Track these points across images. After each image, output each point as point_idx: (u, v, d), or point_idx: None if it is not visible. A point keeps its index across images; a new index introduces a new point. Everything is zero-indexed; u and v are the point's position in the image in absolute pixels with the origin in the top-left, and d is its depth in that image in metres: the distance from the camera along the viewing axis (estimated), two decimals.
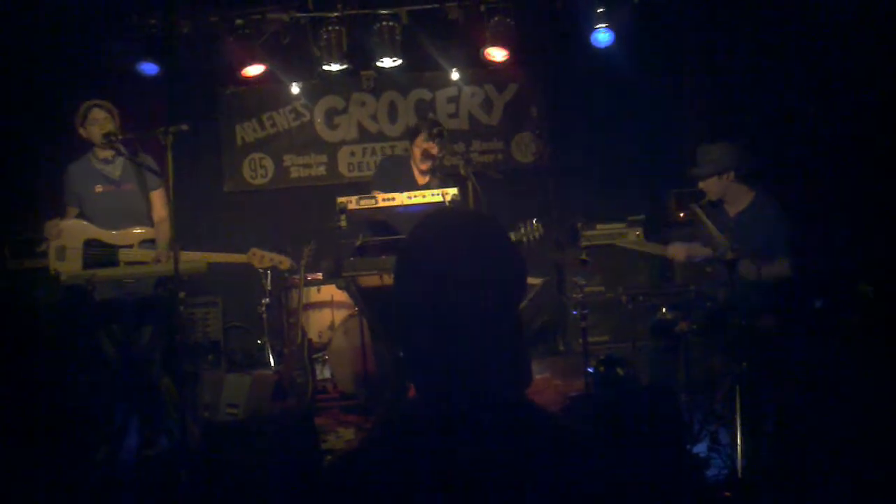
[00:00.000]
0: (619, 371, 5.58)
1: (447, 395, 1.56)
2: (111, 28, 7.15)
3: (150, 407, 5.19)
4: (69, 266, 5.10)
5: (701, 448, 4.56)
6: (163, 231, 5.35)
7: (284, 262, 5.38)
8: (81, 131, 5.30)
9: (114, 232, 5.20)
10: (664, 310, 5.26)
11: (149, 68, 7.29)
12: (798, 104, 6.98)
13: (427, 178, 6.00)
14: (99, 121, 5.23)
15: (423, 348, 1.59)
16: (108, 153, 5.32)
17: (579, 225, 8.14)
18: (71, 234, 5.16)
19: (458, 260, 1.56)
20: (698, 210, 4.88)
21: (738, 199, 5.21)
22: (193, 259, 5.06)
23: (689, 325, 4.92)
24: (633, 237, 5.46)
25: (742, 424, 4.35)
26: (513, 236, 5.13)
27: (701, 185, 5.24)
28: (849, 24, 6.34)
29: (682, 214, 7.90)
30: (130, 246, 5.20)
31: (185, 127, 4.87)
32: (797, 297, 5.13)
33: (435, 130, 5.79)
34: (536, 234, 5.27)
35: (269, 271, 7.50)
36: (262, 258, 5.28)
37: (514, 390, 1.61)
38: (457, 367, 1.55)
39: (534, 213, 5.56)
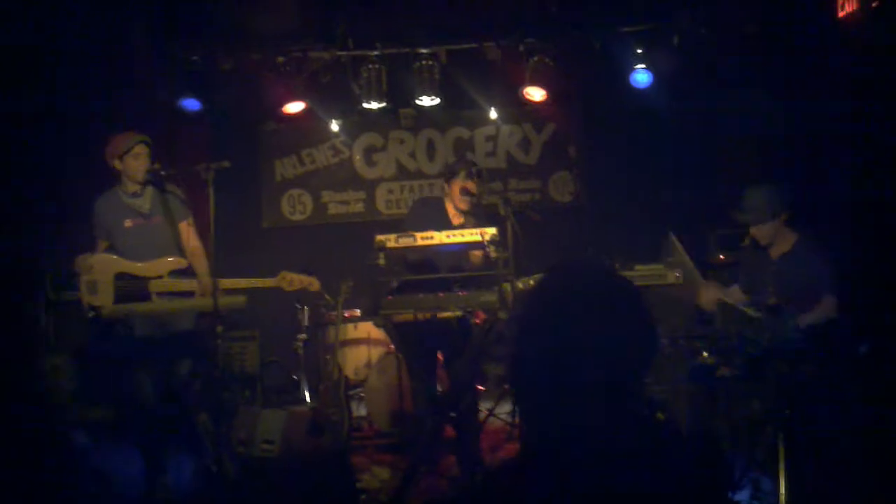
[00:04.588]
0: (659, 415, 5.49)
1: (561, 457, 1.46)
2: (155, 64, 7.25)
3: (187, 443, 5.18)
4: (101, 300, 5.09)
5: (743, 496, 4.46)
6: (198, 261, 5.30)
7: (314, 284, 5.33)
8: (117, 163, 5.23)
9: (143, 264, 5.16)
10: (705, 354, 5.19)
11: (191, 104, 7.38)
12: (838, 144, 6.92)
13: (462, 219, 5.95)
14: (141, 156, 5.24)
15: (539, 410, 1.48)
16: (136, 187, 5.28)
17: (617, 265, 8.10)
18: (101, 267, 5.14)
19: (586, 320, 1.43)
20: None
21: (782, 241, 5.13)
22: (224, 286, 5.05)
23: (730, 370, 4.84)
24: (672, 279, 5.40)
25: (785, 472, 4.27)
26: None
27: (753, 230, 5.18)
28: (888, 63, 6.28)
29: (722, 256, 7.83)
30: (160, 276, 5.17)
31: (226, 164, 4.91)
32: (842, 341, 5.04)
33: (474, 170, 5.77)
34: None
35: (305, 307, 7.53)
36: (292, 281, 5.22)
37: (630, 460, 1.51)
38: (573, 433, 1.44)
39: (570, 253, 5.51)
